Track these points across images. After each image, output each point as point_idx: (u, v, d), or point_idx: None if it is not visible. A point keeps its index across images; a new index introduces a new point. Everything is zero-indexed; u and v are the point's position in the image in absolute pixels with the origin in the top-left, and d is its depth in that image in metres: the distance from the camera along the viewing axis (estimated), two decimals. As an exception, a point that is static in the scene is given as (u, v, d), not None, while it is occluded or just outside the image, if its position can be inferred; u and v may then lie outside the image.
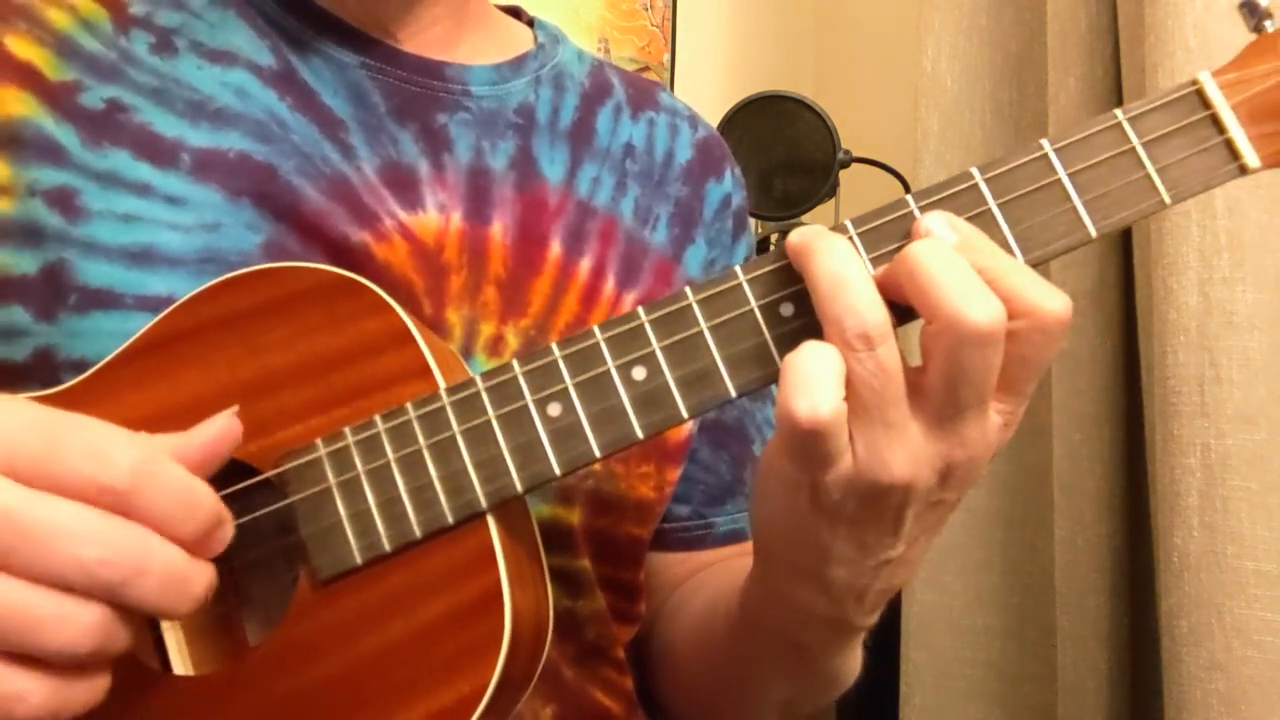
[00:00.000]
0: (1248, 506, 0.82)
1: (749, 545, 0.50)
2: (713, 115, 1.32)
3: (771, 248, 1.37)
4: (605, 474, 0.58)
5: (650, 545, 0.63)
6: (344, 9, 0.58)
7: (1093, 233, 0.41)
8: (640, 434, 0.42)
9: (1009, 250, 0.41)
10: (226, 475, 0.43)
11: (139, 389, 0.45)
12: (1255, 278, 0.84)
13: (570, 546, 0.57)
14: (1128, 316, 1.03)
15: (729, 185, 0.70)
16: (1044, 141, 0.42)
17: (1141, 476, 1.01)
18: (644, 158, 0.66)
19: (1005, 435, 0.41)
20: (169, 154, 0.52)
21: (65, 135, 0.51)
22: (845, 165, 1.37)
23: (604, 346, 0.43)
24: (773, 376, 0.42)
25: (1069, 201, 0.41)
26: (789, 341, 0.40)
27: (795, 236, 0.41)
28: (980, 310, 0.37)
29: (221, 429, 0.42)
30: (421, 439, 0.43)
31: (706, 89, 1.65)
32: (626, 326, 0.43)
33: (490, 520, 0.43)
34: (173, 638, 0.44)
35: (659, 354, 0.42)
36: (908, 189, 1.22)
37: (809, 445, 0.39)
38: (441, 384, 0.44)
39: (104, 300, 0.49)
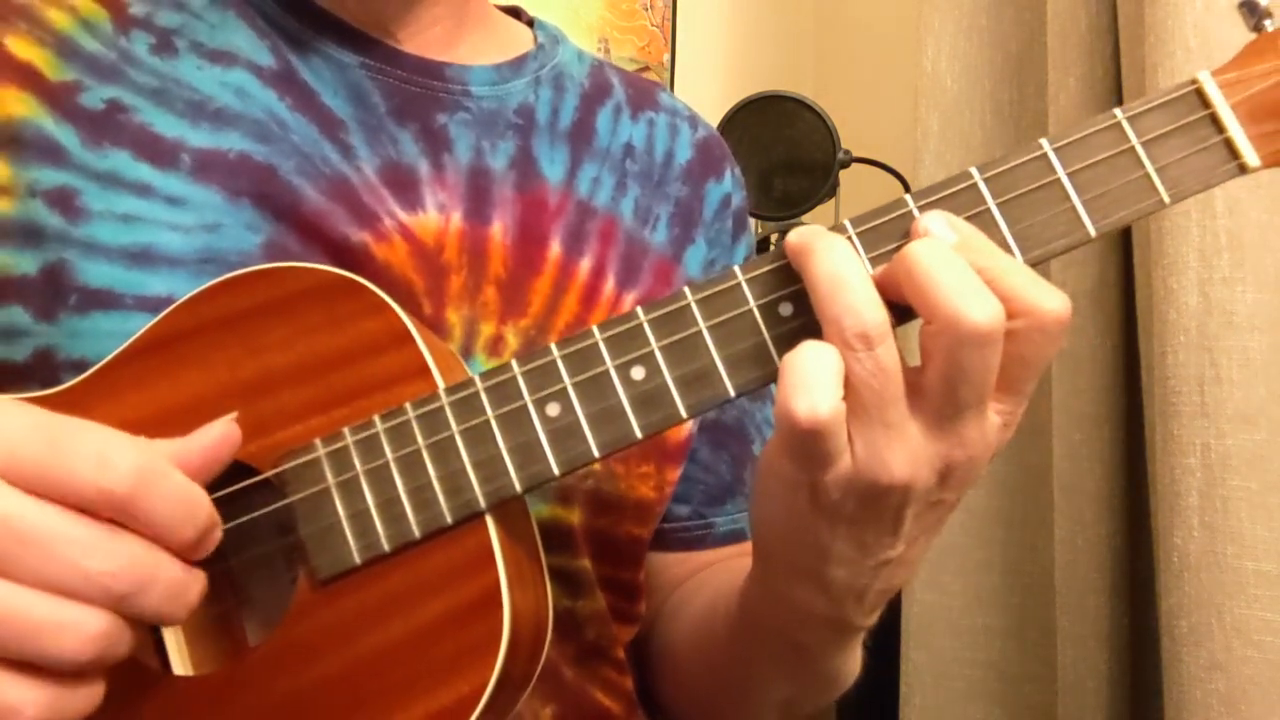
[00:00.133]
0: (1248, 506, 0.82)
1: (749, 545, 0.50)
2: (713, 115, 1.32)
3: (771, 248, 1.37)
4: (605, 474, 0.58)
5: (650, 545, 0.63)
6: (344, 9, 0.58)
7: (1092, 232, 0.41)
8: (639, 434, 0.42)
9: (1008, 250, 0.41)
10: (226, 475, 0.43)
11: (139, 389, 0.45)
12: (1255, 278, 0.84)
13: (570, 546, 0.57)
14: (1128, 316, 1.03)
15: (729, 185, 0.70)
16: (1043, 141, 0.42)
17: (1141, 476, 1.01)
18: (644, 158, 0.66)
19: (1005, 435, 0.41)
20: (169, 154, 0.52)
21: (65, 135, 0.51)
22: (845, 165, 1.37)
23: (603, 346, 0.43)
24: (772, 376, 0.41)
25: (1068, 201, 0.41)
26: (788, 341, 0.40)
27: (794, 236, 0.41)
28: (979, 310, 0.37)
29: (221, 434, 0.42)
30: (420, 439, 0.43)
31: (706, 89, 1.65)
32: (625, 326, 0.43)
33: (489, 520, 0.43)
34: (172, 638, 0.44)
35: (658, 354, 0.42)
36: (908, 189, 1.22)
37: (808, 445, 0.39)
38: (440, 384, 0.44)
39: (104, 300, 0.49)
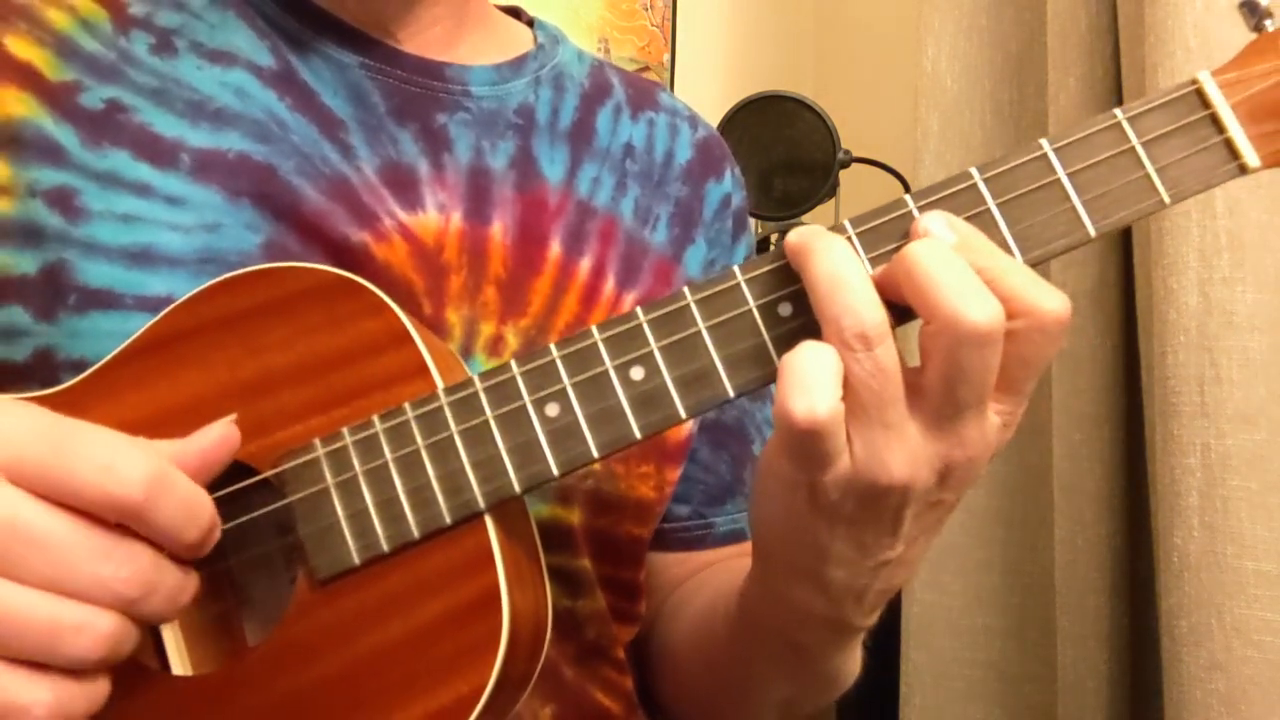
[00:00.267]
0: (1248, 506, 0.82)
1: (749, 545, 0.50)
2: (713, 115, 1.32)
3: (771, 248, 1.37)
4: (605, 474, 0.58)
5: (650, 545, 0.63)
6: (344, 9, 0.58)
7: (1092, 232, 0.41)
8: (638, 434, 0.42)
9: (1008, 250, 0.41)
10: (225, 475, 0.43)
11: (138, 389, 0.45)
12: (1255, 278, 0.84)
13: (570, 546, 0.57)
14: (1128, 316, 1.03)
15: (729, 185, 0.70)
16: (1043, 141, 0.42)
17: (1141, 476, 1.01)
18: (644, 158, 0.66)
19: (1005, 435, 0.41)
20: (169, 154, 0.52)
21: (65, 135, 0.51)
22: (845, 165, 1.37)
23: (602, 347, 0.43)
24: (771, 376, 0.41)
25: (1068, 201, 0.41)
26: (787, 341, 0.40)
27: (793, 236, 0.41)
28: (978, 310, 0.37)
29: (219, 436, 0.42)
30: (419, 439, 0.43)
31: (706, 89, 1.65)
32: (624, 326, 0.43)
33: (488, 520, 0.43)
34: (172, 638, 0.44)
35: (657, 354, 0.42)
36: (908, 189, 1.22)
37: (806, 445, 0.39)
38: (439, 384, 0.44)
39: (103, 300, 0.49)
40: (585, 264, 0.60)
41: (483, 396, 0.43)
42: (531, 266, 0.58)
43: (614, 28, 1.55)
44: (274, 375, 0.44)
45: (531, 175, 0.60)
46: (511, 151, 0.60)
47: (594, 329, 0.43)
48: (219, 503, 0.42)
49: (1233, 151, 0.41)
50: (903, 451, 0.39)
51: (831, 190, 1.38)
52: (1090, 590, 1.01)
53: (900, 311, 0.40)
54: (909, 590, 1.17)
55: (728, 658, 0.57)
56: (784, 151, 1.37)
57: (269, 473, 0.44)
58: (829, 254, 0.40)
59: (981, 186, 0.42)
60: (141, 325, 0.46)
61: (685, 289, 0.42)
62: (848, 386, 0.38)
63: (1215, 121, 0.41)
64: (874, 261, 0.41)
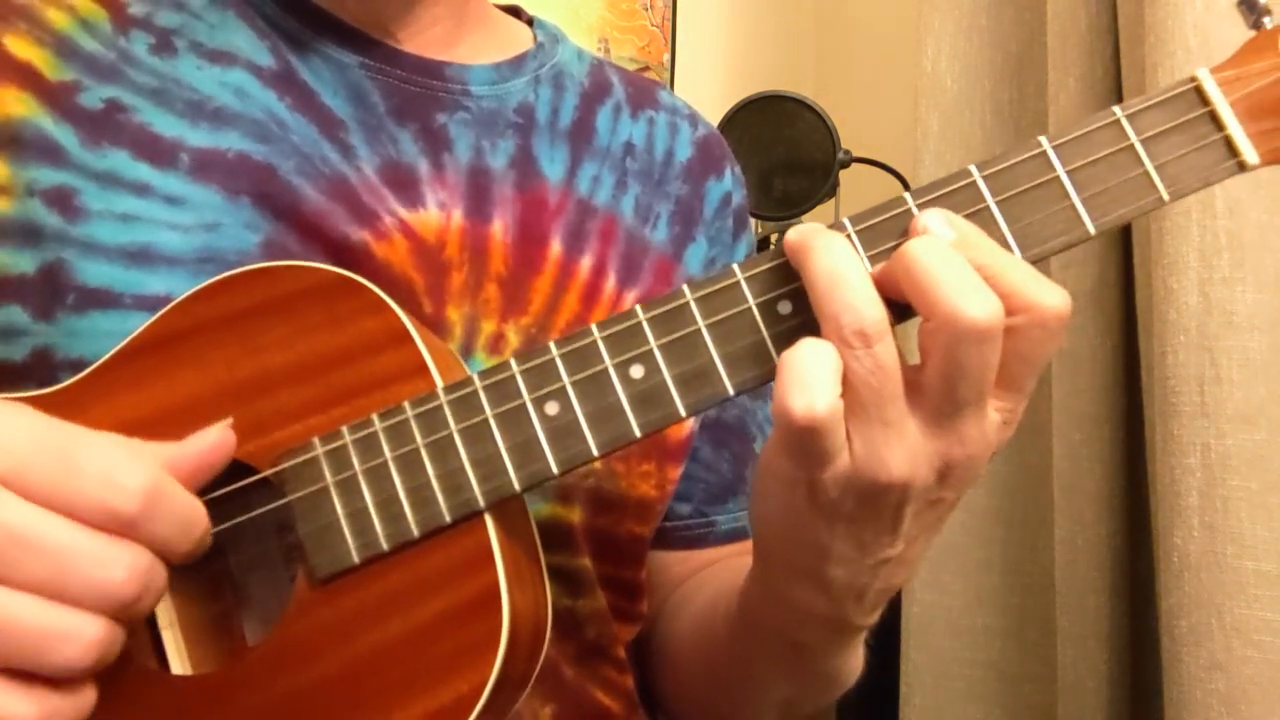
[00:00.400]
0: (1248, 506, 0.82)
1: (751, 544, 0.50)
2: (713, 115, 1.31)
3: (771, 248, 1.37)
4: (606, 472, 0.58)
5: (651, 544, 0.63)
6: (344, 9, 0.58)
7: (1091, 230, 0.41)
8: (638, 432, 0.42)
9: (1007, 247, 0.41)
10: (225, 474, 0.43)
11: (136, 389, 0.45)
12: (1255, 278, 0.84)
13: (570, 545, 0.57)
14: (1128, 316, 1.02)
15: (729, 184, 0.70)
16: (1042, 139, 0.42)
17: (1141, 476, 1.01)
18: (644, 156, 0.66)
19: (1005, 434, 0.41)
20: (168, 154, 0.52)
21: (64, 135, 0.51)
22: (845, 165, 1.37)
23: (601, 345, 0.43)
24: (771, 374, 0.41)
25: (1067, 199, 0.41)
26: (787, 339, 0.40)
27: (793, 234, 0.41)
28: (978, 306, 0.37)
29: (215, 440, 0.42)
30: (419, 438, 0.43)
31: (706, 89, 1.65)
32: (624, 325, 0.43)
33: (488, 519, 0.43)
34: (171, 638, 0.44)
35: (657, 352, 0.42)
36: (908, 189, 1.22)
37: (806, 442, 0.39)
38: (439, 383, 0.44)
39: (102, 300, 0.49)
40: (586, 263, 0.60)
41: (482, 395, 0.43)
42: (532, 265, 0.58)
43: (614, 28, 1.55)
44: (273, 374, 0.44)
45: (531, 174, 0.60)
46: (511, 151, 0.60)
47: (593, 327, 0.43)
48: (218, 502, 0.42)
49: (1232, 149, 0.41)
50: (902, 449, 0.39)
51: (831, 190, 1.38)
52: (1090, 590, 1.01)
53: (900, 309, 0.40)
54: (909, 590, 1.17)
55: (728, 657, 0.57)
56: (784, 151, 1.37)
57: (268, 472, 0.44)
58: (828, 251, 0.40)
59: (981, 184, 0.42)
60: (140, 325, 0.46)
61: (685, 287, 0.42)
62: (847, 384, 0.38)
63: (1214, 119, 0.41)
64: (873, 259, 0.41)
